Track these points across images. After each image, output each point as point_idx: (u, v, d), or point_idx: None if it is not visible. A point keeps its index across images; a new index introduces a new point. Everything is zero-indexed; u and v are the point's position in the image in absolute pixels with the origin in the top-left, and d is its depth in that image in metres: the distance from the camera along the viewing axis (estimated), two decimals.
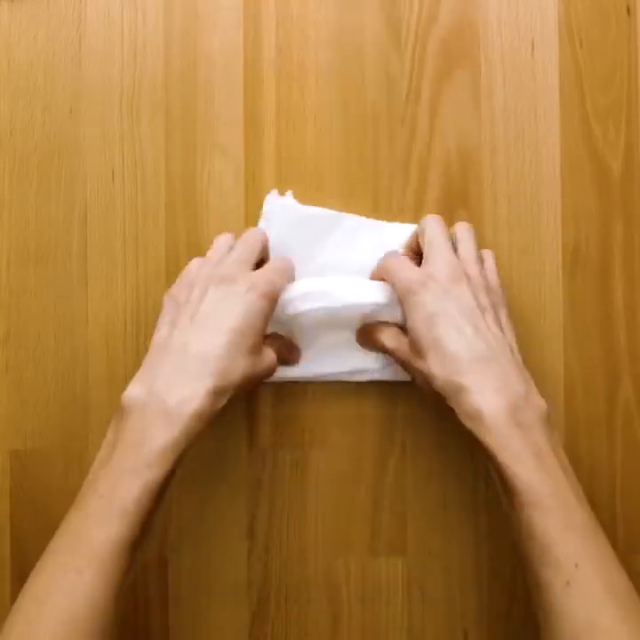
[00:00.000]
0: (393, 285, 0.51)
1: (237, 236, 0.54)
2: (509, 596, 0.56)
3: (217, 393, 0.46)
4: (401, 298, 0.50)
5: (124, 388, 0.47)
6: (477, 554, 0.57)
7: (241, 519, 0.57)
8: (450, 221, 0.57)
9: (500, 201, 0.57)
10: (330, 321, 0.54)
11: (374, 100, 0.57)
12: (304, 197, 0.57)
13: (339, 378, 0.56)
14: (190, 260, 0.54)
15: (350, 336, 0.56)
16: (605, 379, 0.57)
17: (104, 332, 0.56)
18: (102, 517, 0.43)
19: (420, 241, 0.53)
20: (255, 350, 0.49)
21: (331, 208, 0.56)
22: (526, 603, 0.56)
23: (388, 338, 0.53)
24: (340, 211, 0.56)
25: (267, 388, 0.57)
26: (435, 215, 0.54)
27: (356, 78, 0.57)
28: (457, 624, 0.57)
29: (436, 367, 0.47)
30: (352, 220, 0.56)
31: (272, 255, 0.54)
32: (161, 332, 0.50)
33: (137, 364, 0.49)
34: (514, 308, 0.57)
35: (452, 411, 0.47)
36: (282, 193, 0.56)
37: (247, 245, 0.52)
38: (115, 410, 0.47)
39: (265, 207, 0.56)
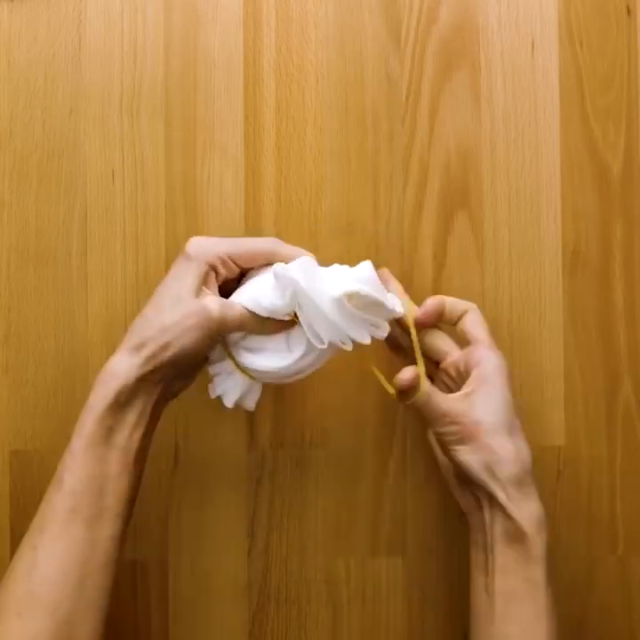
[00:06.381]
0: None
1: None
2: None
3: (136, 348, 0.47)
4: (493, 372, 0.49)
5: None
6: None
7: (241, 519, 0.57)
8: (450, 221, 0.57)
9: (500, 201, 0.57)
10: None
11: (374, 100, 0.57)
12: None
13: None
14: None
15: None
16: (605, 379, 0.57)
17: (104, 331, 0.56)
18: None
19: (462, 327, 0.52)
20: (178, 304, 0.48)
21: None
22: None
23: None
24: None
25: (267, 388, 0.56)
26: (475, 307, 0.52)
27: (356, 78, 0.57)
28: (457, 624, 0.57)
29: (514, 451, 0.48)
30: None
31: None
32: None
33: None
34: (514, 308, 0.57)
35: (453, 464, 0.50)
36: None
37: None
38: None
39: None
